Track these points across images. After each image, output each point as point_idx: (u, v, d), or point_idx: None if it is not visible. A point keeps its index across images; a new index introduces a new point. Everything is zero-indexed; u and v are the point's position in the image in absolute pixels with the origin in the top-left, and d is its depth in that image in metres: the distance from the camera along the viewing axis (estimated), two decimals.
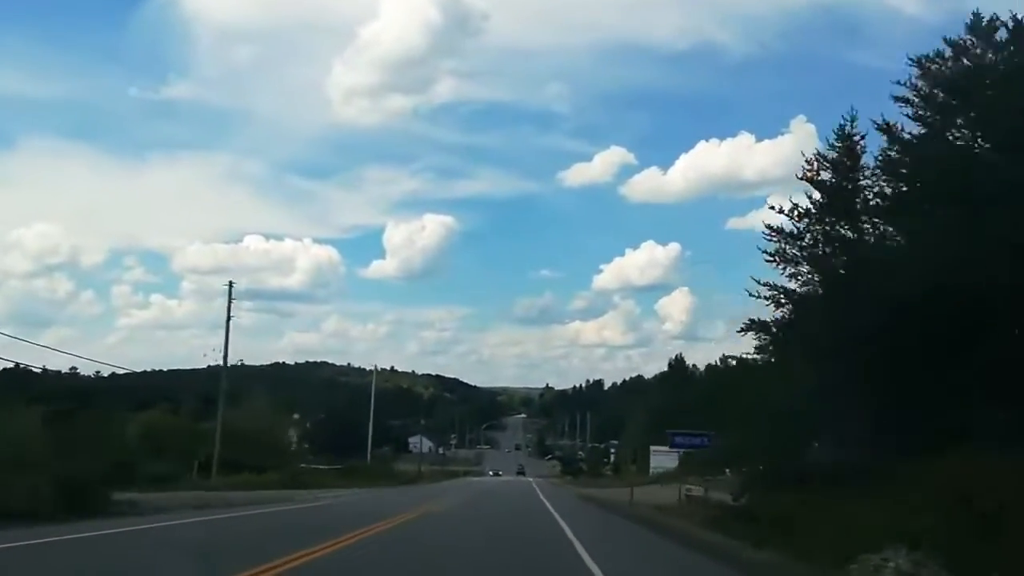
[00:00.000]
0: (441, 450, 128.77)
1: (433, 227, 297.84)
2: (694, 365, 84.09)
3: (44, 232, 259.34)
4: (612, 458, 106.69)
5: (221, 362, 42.16)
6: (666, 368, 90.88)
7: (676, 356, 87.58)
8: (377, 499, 33.09)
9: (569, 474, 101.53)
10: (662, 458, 49.07)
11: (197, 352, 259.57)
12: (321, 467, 61.09)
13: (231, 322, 43.04)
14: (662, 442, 50.37)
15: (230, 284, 44.26)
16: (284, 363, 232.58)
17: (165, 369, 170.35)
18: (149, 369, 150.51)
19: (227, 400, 42.53)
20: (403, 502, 29.26)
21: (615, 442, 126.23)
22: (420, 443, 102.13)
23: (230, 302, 43.34)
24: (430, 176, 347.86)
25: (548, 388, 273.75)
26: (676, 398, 59.60)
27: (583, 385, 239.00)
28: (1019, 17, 16.11)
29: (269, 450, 46.39)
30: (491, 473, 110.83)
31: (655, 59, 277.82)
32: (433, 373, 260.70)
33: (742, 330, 20.01)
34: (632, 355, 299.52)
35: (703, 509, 21.17)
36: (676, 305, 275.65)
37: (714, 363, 71.24)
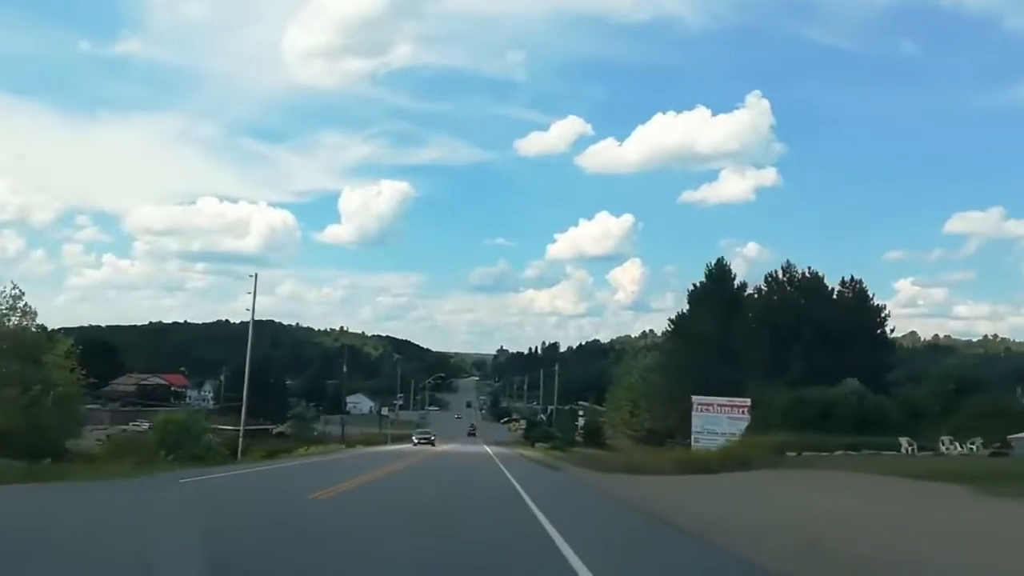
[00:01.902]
0: (386, 410, 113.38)
1: (389, 193, 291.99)
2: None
3: None
4: (581, 421, 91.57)
5: None
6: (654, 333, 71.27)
7: (717, 260, 53.95)
8: None
9: (538, 441, 73.62)
10: (715, 419, 32.65)
11: (147, 312, 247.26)
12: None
13: None
14: (715, 391, 35.00)
15: None
16: (227, 321, 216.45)
17: (103, 325, 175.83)
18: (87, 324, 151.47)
19: None
20: None
21: (584, 403, 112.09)
22: (344, 403, 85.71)
23: None
24: (386, 142, 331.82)
25: (502, 350, 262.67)
26: (726, 323, 42.53)
27: (539, 347, 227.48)
28: None
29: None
30: (415, 440, 65.35)
31: (613, 30, 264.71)
32: (384, 335, 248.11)
33: None
34: (584, 324, 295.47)
35: None
36: (628, 275, 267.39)
37: (775, 273, 51.66)
